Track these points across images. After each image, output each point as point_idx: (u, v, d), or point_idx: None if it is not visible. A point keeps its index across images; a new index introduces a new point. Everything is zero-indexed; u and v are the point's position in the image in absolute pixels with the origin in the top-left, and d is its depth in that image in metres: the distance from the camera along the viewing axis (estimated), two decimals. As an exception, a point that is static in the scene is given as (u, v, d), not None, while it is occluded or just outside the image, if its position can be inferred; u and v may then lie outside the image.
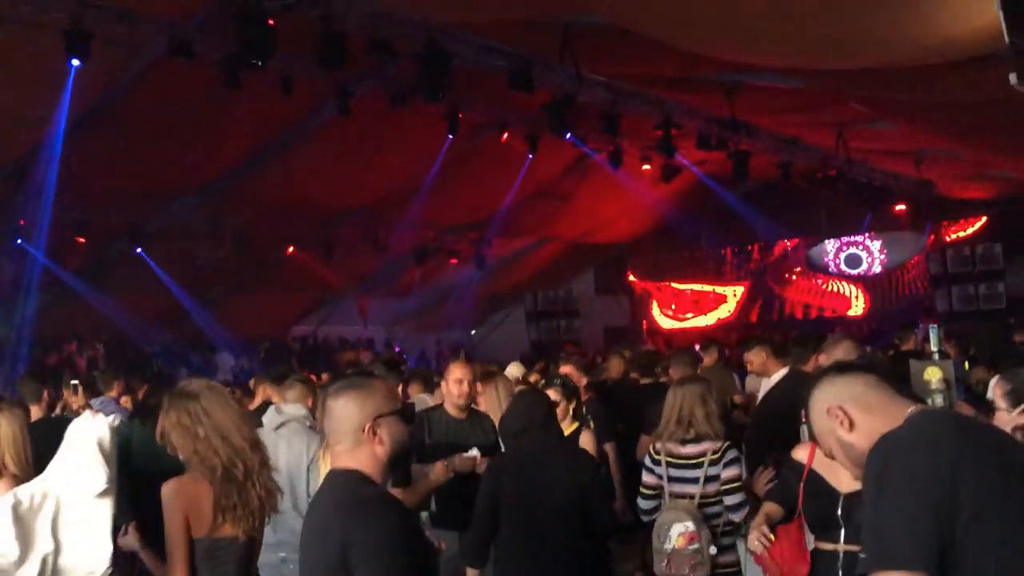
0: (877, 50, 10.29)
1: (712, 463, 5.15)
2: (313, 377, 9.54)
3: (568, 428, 6.04)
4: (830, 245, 25.91)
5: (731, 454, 5.22)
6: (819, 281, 26.37)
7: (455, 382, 5.73)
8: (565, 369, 7.92)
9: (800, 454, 4.29)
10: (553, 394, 5.97)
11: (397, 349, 24.27)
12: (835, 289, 26.10)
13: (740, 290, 27.50)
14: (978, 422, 2.73)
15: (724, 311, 27.70)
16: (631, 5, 10.10)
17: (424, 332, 26.71)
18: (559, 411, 5.91)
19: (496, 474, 4.76)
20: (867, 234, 25.13)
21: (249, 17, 9.90)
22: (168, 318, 21.29)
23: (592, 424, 6.66)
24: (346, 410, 2.87)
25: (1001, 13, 7.59)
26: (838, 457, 2.64)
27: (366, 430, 2.83)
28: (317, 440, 5.43)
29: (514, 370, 9.15)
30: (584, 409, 6.85)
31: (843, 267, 25.77)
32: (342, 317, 25.60)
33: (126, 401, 9.10)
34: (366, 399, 2.89)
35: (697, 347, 13.74)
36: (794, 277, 26.81)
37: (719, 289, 27.78)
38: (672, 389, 5.48)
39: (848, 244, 25.66)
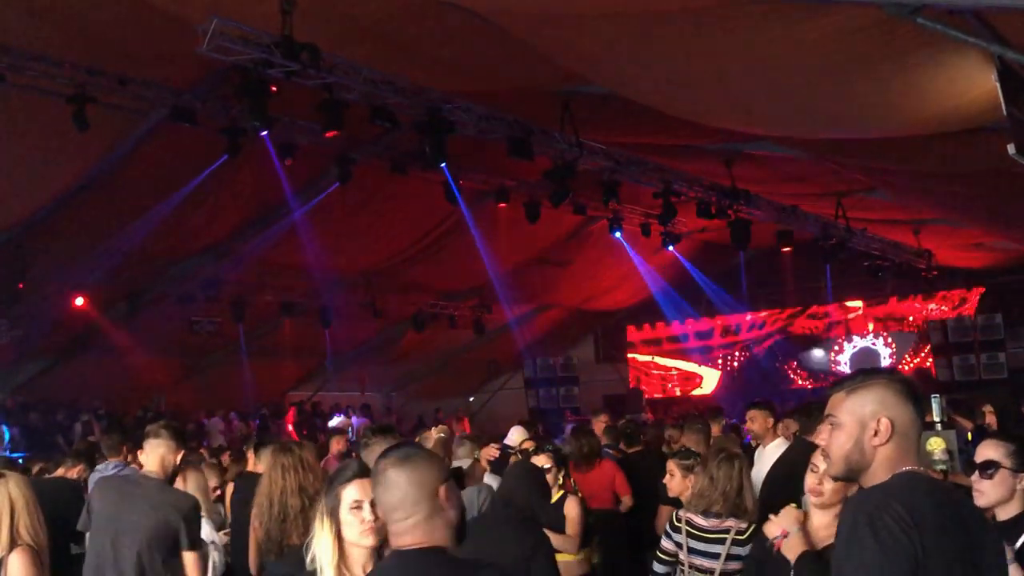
0: (873, 122, 10.35)
1: (737, 543, 4.95)
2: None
3: (554, 495, 6.13)
4: (846, 345, 26.13)
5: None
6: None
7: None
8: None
9: (771, 531, 4.19)
10: (544, 460, 6.09)
11: (395, 417, 24.08)
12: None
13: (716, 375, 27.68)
14: (952, 496, 2.68)
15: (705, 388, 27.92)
16: (629, 76, 10.17)
17: (422, 398, 26.56)
18: (548, 477, 5.95)
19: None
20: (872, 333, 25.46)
21: (251, 84, 9.96)
22: (164, 383, 21.18)
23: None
24: (417, 477, 2.70)
25: (998, 84, 7.63)
26: (833, 455, 2.67)
27: (442, 495, 2.70)
28: None
29: (516, 436, 9.06)
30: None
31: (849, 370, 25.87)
32: (340, 383, 25.46)
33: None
34: (434, 463, 2.77)
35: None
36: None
37: (698, 369, 28.02)
38: (724, 462, 5.20)
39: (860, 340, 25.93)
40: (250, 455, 7.82)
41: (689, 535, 5.08)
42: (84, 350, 19.19)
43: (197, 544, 5.06)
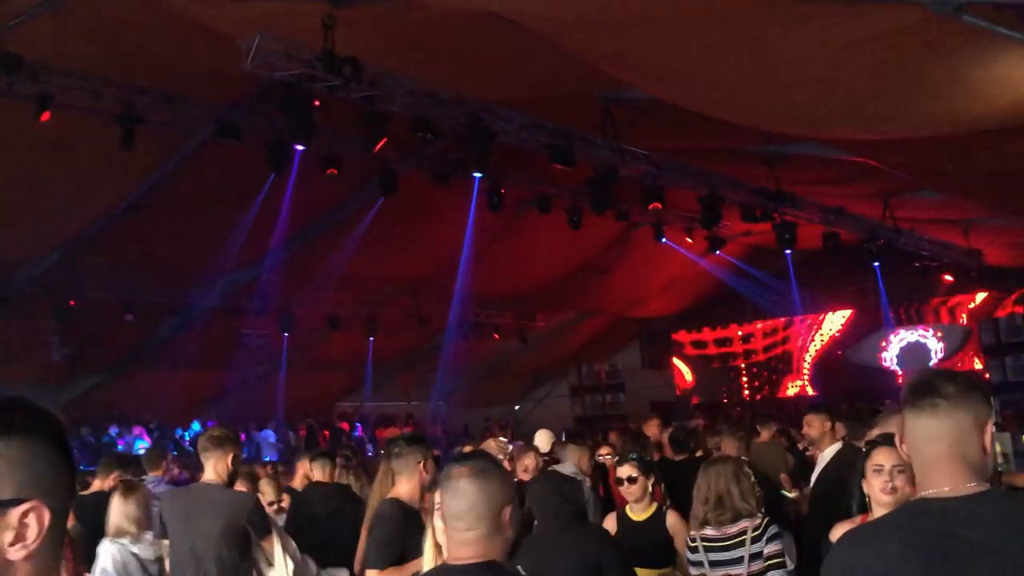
0: (920, 121, 10.23)
1: (754, 540, 4.96)
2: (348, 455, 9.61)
3: (646, 511, 5.63)
4: (893, 338, 25.79)
5: (772, 529, 5.03)
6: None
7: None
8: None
9: (837, 534, 4.13)
10: (629, 469, 5.63)
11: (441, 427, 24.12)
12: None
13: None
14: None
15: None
16: (670, 80, 10.14)
17: (468, 408, 26.59)
18: (636, 489, 5.58)
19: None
20: (923, 327, 25.10)
21: (295, 99, 10.06)
22: (212, 395, 21.40)
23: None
24: (487, 493, 2.66)
25: (1048, 80, 7.53)
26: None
27: (506, 515, 2.65)
28: None
29: (543, 441, 9.05)
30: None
31: (895, 364, 25.59)
32: (386, 393, 25.57)
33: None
34: (506, 482, 2.73)
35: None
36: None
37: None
38: (702, 470, 5.21)
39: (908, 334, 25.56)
40: (300, 467, 7.85)
41: (707, 549, 5.04)
42: (134, 365, 19.44)
43: (269, 531, 5.33)
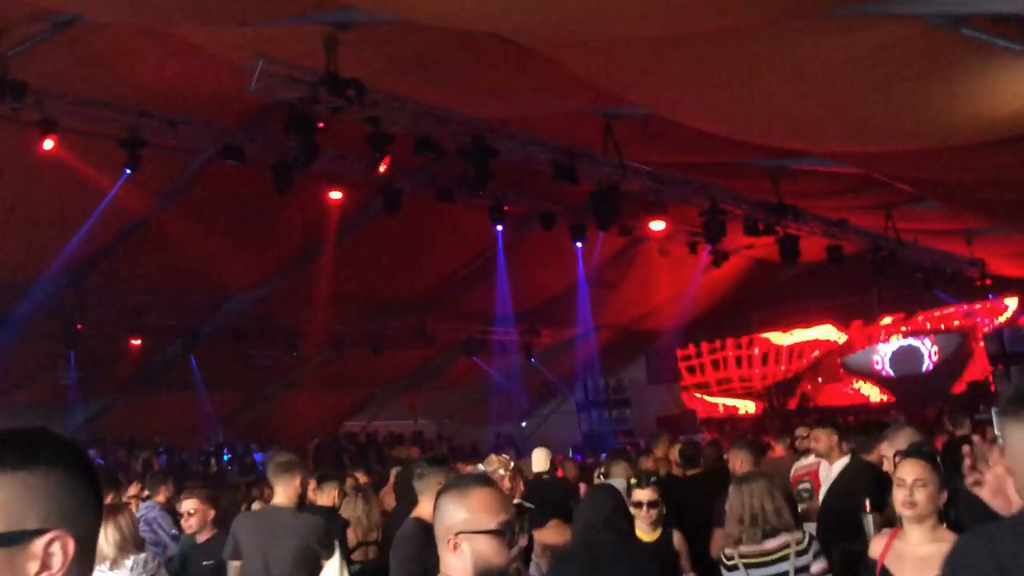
0: (922, 133, 10.25)
1: (799, 554, 4.89)
2: (359, 476, 9.57)
3: (655, 532, 5.57)
4: (881, 349, 25.79)
5: (816, 545, 4.98)
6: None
7: None
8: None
9: (875, 550, 4.14)
10: (651, 494, 5.49)
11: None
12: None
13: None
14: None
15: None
16: (670, 96, 10.19)
17: (475, 425, 26.58)
18: (655, 513, 5.46)
19: (563, 571, 4.64)
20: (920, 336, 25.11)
21: (298, 121, 10.12)
22: (220, 417, 21.43)
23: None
24: (440, 515, 2.67)
25: (1047, 91, 7.56)
26: None
27: (450, 542, 2.61)
28: None
29: (541, 459, 9.03)
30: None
31: (889, 370, 25.58)
32: (393, 412, 25.57)
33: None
34: (458, 509, 2.64)
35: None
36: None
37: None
38: (734, 488, 5.18)
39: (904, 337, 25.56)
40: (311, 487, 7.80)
41: (748, 566, 4.94)
42: (142, 388, 19.49)
43: (332, 551, 5.58)
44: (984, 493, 2.76)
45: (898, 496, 3.99)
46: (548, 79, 9.82)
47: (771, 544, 4.94)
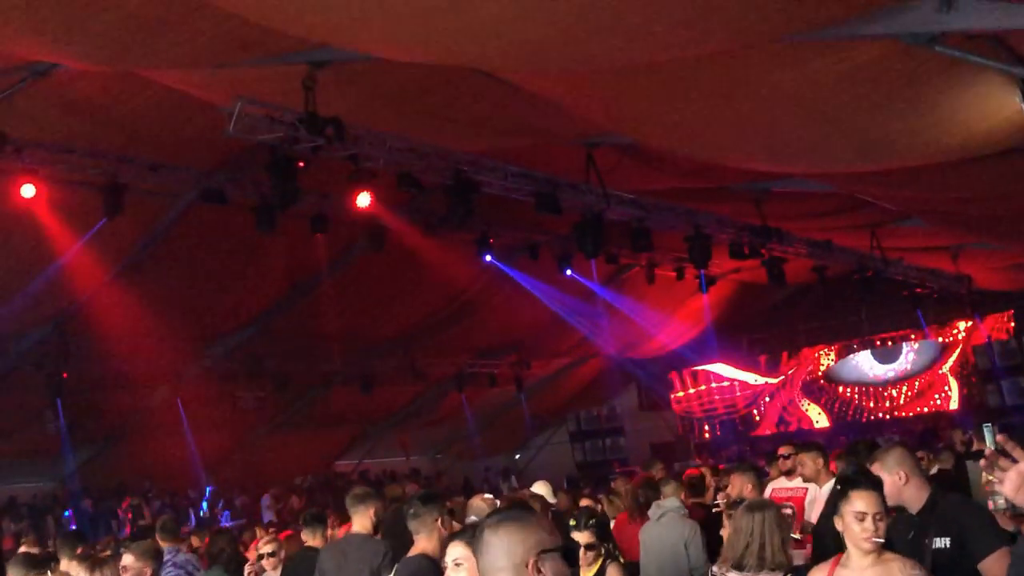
0: (900, 152, 10.29)
1: None
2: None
3: (593, 567, 5.77)
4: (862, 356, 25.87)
5: None
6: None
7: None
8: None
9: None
10: (587, 536, 5.77)
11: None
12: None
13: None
14: None
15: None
16: (649, 124, 10.21)
17: (467, 459, 26.45)
18: (592, 555, 5.73)
19: None
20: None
21: (278, 161, 10.09)
22: (210, 461, 21.26)
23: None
24: (506, 544, 2.64)
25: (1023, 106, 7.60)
26: None
27: (530, 565, 2.60)
28: None
29: (541, 489, 9.00)
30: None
31: (876, 370, 25.59)
32: (385, 449, 25.42)
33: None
34: (529, 532, 2.67)
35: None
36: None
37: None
38: (746, 512, 5.08)
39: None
40: (303, 531, 7.72)
41: None
42: (130, 435, 19.32)
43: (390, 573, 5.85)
44: (1007, 489, 2.87)
45: (858, 530, 3.97)
46: (527, 111, 9.83)
47: None
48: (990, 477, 3.12)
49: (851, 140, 9.93)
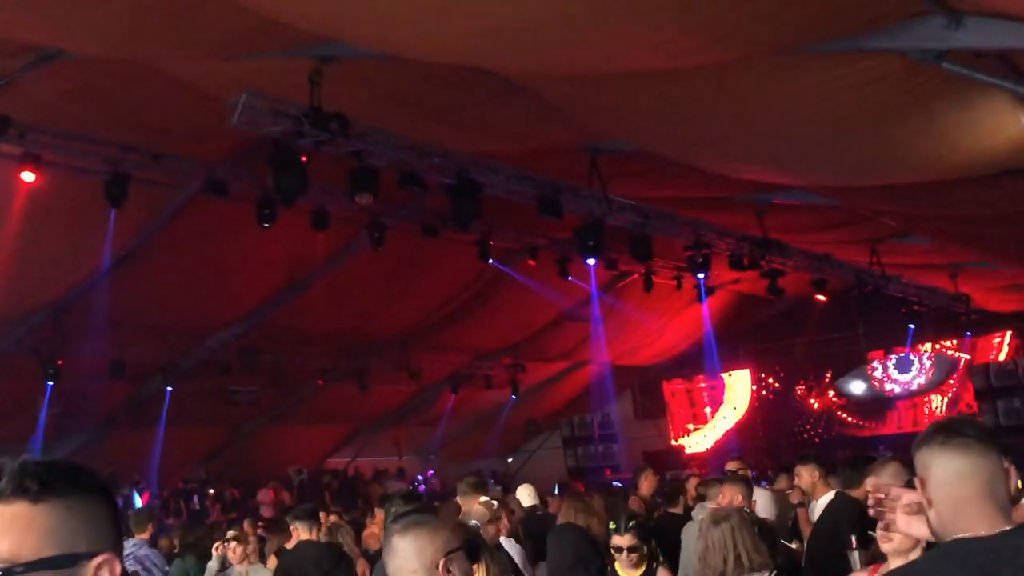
0: (903, 168, 10.30)
1: None
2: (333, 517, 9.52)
3: (638, 569, 5.60)
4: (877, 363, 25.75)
5: None
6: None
7: None
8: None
9: None
10: (629, 539, 5.56)
11: (422, 482, 23.87)
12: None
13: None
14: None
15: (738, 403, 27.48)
16: (654, 131, 10.21)
17: (460, 460, 26.40)
18: (636, 557, 5.53)
19: None
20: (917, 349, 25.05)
21: (282, 155, 10.08)
22: (203, 453, 21.25)
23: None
24: (415, 547, 2.75)
25: (1028, 126, 7.60)
26: None
27: (440, 566, 2.71)
28: None
29: (525, 496, 8.99)
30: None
31: (892, 372, 25.40)
32: (377, 447, 25.40)
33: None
34: (437, 534, 2.79)
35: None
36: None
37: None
38: (712, 526, 5.01)
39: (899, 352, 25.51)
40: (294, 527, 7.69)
41: None
42: (123, 423, 19.28)
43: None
44: (900, 525, 2.83)
45: (877, 530, 3.94)
46: (533, 113, 9.83)
47: None
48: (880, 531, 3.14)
49: (855, 154, 9.93)
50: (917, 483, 2.49)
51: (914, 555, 3.91)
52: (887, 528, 3.11)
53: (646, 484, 10.00)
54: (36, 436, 17.04)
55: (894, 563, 3.93)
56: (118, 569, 1.52)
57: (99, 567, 1.49)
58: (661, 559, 5.93)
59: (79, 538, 1.48)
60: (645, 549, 5.62)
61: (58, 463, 1.55)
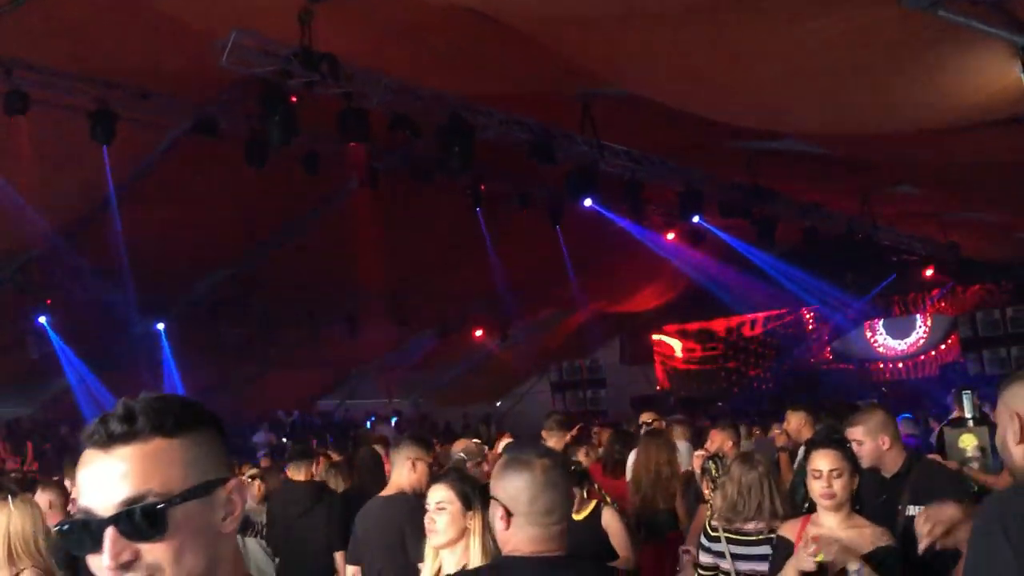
0: (897, 116, 10.27)
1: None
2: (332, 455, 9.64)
3: (584, 510, 5.70)
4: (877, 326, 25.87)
5: None
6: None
7: None
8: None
9: (790, 534, 4.19)
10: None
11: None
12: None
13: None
14: None
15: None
16: (647, 76, 10.14)
17: (449, 405, 26.57)
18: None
19: None
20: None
21: (271, 95, 9.99)
22: (192, 394, 21.29)
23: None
24: (567, 486, 2.80)
25: (1023, 76, 7.57)
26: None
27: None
28: None
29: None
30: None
31: (887, 340, 25.56)
32: (368, 391, 25.52)
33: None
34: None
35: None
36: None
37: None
38: (742, 464, 5.03)
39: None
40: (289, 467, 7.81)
41: (730, 541, 4.84)
42: (112, 364, 19.29)
43: None
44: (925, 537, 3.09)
45: (815, 487, 4.11)
46: (526, 57, 9.75)
47: (754, 526, 4.85)
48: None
49: (849, 102, 9.89)
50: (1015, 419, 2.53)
51: (846, 509, 4.09)
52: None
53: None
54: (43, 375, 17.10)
55: (825, 515, 4.11)
56: (244, 493, 1.62)
57: (231, 491, 1.58)
58: (610, 501, 6.10)
59: (210, 467, 1.56)
60: (584, 493, 5.79)
61: (178, 398, 1.63)
